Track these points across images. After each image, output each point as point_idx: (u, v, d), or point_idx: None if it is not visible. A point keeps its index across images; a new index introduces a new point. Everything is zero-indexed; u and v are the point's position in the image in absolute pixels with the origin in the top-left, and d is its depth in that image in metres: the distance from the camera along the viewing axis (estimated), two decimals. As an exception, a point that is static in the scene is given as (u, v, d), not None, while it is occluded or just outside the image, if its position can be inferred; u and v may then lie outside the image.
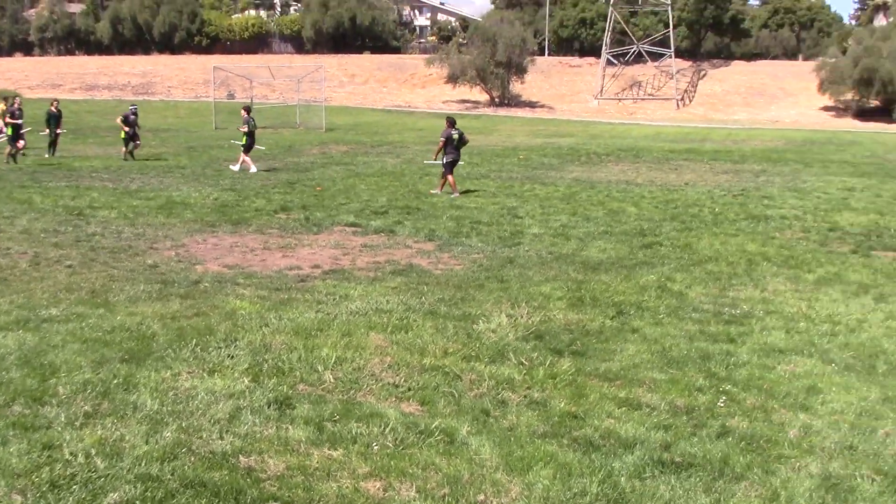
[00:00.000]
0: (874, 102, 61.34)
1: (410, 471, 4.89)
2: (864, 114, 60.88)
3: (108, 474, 4.67)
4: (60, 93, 58.98)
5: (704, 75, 72.28)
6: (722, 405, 6.16)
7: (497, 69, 62.13)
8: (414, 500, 4.58)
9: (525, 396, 6.21)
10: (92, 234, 13.19)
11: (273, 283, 10.14)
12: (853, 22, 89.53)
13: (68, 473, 4.67)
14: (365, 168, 26.00)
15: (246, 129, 24.09)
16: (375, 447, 5.17)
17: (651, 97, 68.50)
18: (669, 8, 69.14)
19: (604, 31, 70.01)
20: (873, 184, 23.40)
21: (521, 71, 63.57)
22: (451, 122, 20.56)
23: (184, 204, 17.13)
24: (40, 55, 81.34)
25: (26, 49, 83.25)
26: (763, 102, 65.96)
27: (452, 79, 63.26)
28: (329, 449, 5.13)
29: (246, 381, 6.28)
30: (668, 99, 66.99)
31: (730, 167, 28.15)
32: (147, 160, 26.70)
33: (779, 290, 10.43)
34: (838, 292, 10.42)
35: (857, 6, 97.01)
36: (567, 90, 70.10)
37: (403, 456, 5.09)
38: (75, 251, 11.75)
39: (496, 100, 64.37)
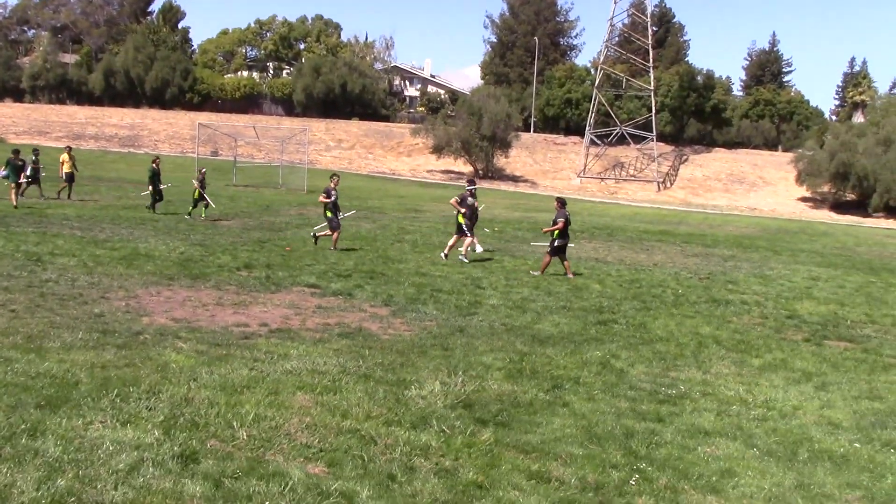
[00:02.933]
0: (850, 196, 62.40)
1: (298, 532, 4.82)
2: (840, 206, 61.89)
3: (-14, 521, 4.58)
4: (46, 140, 59.26)
5: (686, 160, 73.52)
6: (633, 483, 6.13)
7: (482, 142, 63.02)
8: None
9: (436, 464, 6.16)
10: (45, 281, 13.13)
11: (215, 338, 10.09)
12: (833, 117, 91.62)
13: (-55, 517, 4.58)
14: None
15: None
16: (269, 506, 5.11)
17: (633, 178, 69.49)
18: (652, 94, 70.68)
19: (589, 112, 71.36)
20: (838, 275, 23.63)
21: (505, 145, 64.51)
22: (563, 202, 19.94)
23: (147, 256, 17.09)
24: (30, 102, 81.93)
25: (17, 96, 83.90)
26: (742, 190, 67.00)
27: (437, 149, 64.07)
28: (222, 506, 5.06)
29: (157, 433, 6.22)
30: (649, 181, 67.96)
31: (700, 250, 28.39)
32: (121, 211, 26.72)
33: (721, 374, 10.47)
34: (781, 378, 10.46)
35: (837, 103, 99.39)
36: (550, 167, 71.03)
37: (295, 516, 5.02)
38: (24, 296, 11.68)
39: (480, 172, 65.07)
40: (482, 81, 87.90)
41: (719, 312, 15.61)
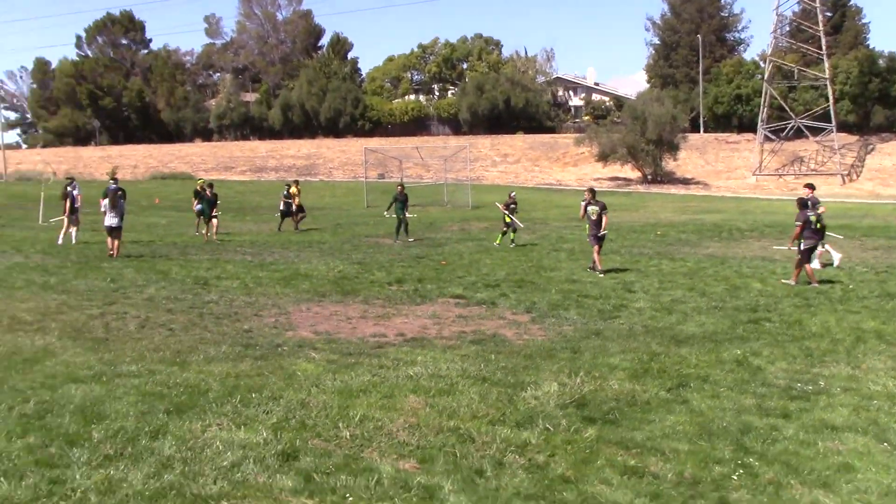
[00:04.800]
0: None
1: (369, 522, 4.98)
2: None
3: (93, 509, 5.05)
4: (232, 174, 63.53)
5: (872, 149, 68.63)
6: (735, 478, 5.86)
7: (648, 146, 61.64)
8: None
9: (529, 460, 6.15)
10: (207, 302, 14.09)
11: (349, 348, 10.49)
12: None
13: (58, 505, 5.09)
14: (496, 246, 26.30)
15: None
16: (350, 498, 5.30)
17: (814, 172, 65.59)
18: (829, 83, 66.60)
19: (760, 107, 68.19)
20: None
21: (672, 148, 62.74)
22: (804, 203, 17.85)
23: (306, 276, 17.94)
24: (218, 140, 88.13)
25: (205, 135, 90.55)
26: (941, 176, 61.80)
27: (603, 156, 63.25)
28: (306, 497, 5.32)
29: (265, 433, 6.59)
30: (832, 174, 63.96)
31: (882, 243, 26.48)
32: (292, 236, 28.22)
33: (874, 368, 9.75)
34: (943, 373, 9.61)
35: None
36: (723, 166, 68.39)
37: (372, 508, 5.19)
38: (183, 317, 12.62)
39: (648, 177, 63.68)
40: (648, 85, 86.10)
41: (890, 307, 14.50)
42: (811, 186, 19.04)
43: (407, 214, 27.93)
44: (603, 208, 19.06)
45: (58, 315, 12.48)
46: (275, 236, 27.96)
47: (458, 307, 14.35)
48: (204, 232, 26.60)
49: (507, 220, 25.45)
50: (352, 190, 56.86)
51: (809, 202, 18.10)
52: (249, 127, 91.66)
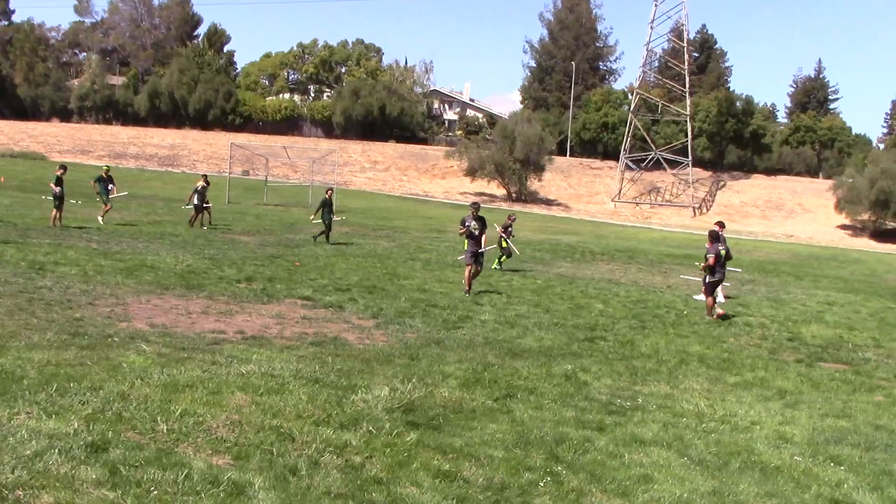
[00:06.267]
0: (892, 223, 61.19)
1: (171, 516, 4.92)
2: (881, 234, 60.71)
3: None
4: (89, 159, 60.75)
5: (723, 186, 72.80)
6: (542, 485, 6.12)
7: (515, 165, 63.15)
8: (156, 543, 4.61)
9: (346, 461, 6.21)
10: (39, 287, 13.45)
11: (184, 343, 10.26)
12: (880, 145, 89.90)
13: None
14: (354, 249, 26.32)
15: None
16: (154, 492, 5.21)
17: (669, 203, 68.97)
18: (689, 119, 70.27)
19: (625, 137, 71.19)
20: (857, 300, 23.19)
21: (538, 169, 64.58)
22: (716, 236, 17.86)
23: (151, 267, 17.40)
24: (77, 122, 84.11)
25: (64, 116, 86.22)
26: (780, 217, 66.10)
27: (471, 172, 64.36)
28: (108, 490, 5.18)
29: (77, 424, 6.37)
30: (685, 206, 67.40)
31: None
32: (145, 227, 27.25)
33: (690, 388, 10.36)
34: (752, 396, 10.31)
35: (885, 130, 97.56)
36: (585, 191, 70.83)
37: (175, 502, 5.11)
38: (10, 301, 12.00)
39: (513, 195, 65.17)
40: (521, 106, 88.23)
41: (717, 333, 15.42)
42: (721, 224, 19.07)
43: (333, 218, 27.63)
44: (484, 225, 18.16)
45: None
46: (125, 227, 26.91)
47: (304, 308, 14.29)
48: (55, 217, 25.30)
49: (504, 244, 24.06)
50: (215, 185, 55.23)
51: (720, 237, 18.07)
52: (113, 111, 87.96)
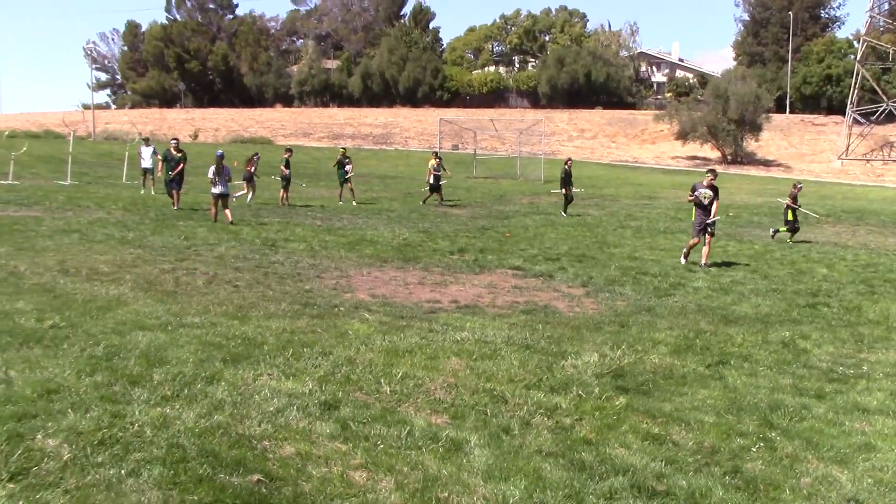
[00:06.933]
0: None
1: (398, 467, 5.38)
2: None
3: (147, 440, 5.58)
4: (309, 140, 64.63)
5: (971, 136, 65.94)
6: (754, 451, 6.05)
7: (729, 126, 60.41)
8: (385, 490, 5.06)
9: (556, 422, 6.44)
10: (273, 262, 14.68)
11: (403, 312, 10.88)
12: None
13: (118, 436, 5.64)
14: (563, 218, 26.39)
15: None
16: (381, 446, 5.69)
17: (904, 158, 63.45)
18: (927, 64, 64.12)
19: (851, 89, 66.06)
20: None
21: (755, 128, 61.38)
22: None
23: (371, 242, 18.41)
24: (298, 106, 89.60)
25: (286, 101, 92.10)
26: None
27: (682, 135, 62.28)
28: (340, 443, 5.73)
29: (311, 385, 7.04)
30: (923, 161, 61.75)
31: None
32: (364, 203, 28.74)
33: (923, 357, 9.70)
34: None
35: None
36: (808, 149, 66.59)
37: (401, 455, 5.58)
38: (249, 275, 13.20)
39: (728, 157, 62.46)
40: (735, 63, 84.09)
41: (960, 298, 14.20)
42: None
43: (573, 190, 27.89)
44: (716, 193, 17.08)
45: (132, 268, 13.21)
46: (348, 204, 28.49)
47: (514, 278, 14.61)
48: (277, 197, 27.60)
49: (790, 217, 22.71)
50: (425, 160, 57.13)
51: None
52: (329, 94, 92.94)
